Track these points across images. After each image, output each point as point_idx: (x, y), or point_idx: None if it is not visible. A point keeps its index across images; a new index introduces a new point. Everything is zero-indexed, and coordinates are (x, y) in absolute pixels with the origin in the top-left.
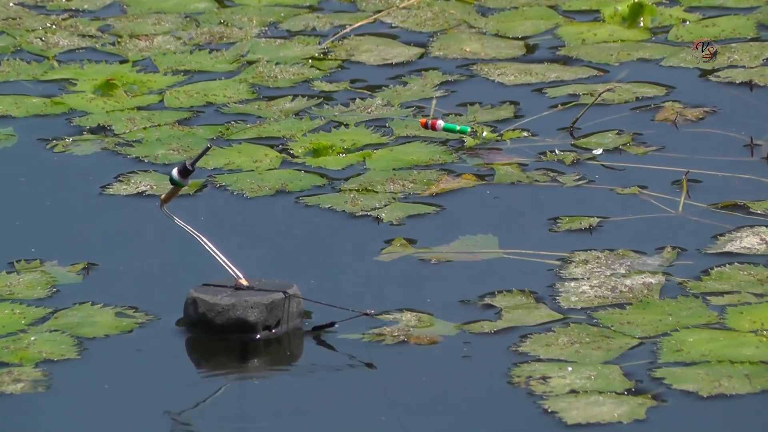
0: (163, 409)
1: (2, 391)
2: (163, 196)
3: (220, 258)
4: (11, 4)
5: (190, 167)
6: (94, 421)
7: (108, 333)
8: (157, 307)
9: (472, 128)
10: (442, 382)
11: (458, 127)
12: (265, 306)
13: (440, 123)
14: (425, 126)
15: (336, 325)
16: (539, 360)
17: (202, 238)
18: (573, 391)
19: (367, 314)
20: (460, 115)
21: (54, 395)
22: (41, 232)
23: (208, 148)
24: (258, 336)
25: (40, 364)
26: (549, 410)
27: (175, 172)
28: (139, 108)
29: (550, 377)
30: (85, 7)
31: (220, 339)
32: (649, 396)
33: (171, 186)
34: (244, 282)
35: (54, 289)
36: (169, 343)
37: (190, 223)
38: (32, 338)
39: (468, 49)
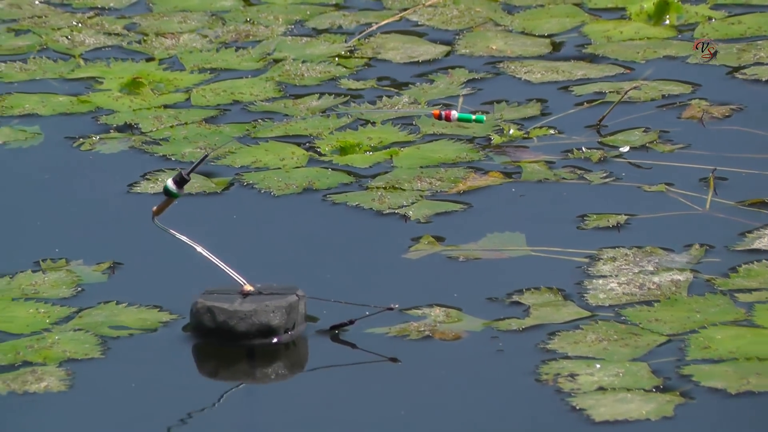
0: (187, 410)
1: (26, 389)
2: (155, 208)
3: (222, 266)
4: (37, 2)
5: (186, 177)
6: (117, 421)
7: (132, 332)
8: (182, 307)
9: (494, 123)
10: (469, 379)
11: (474, 117)
12: (284, 309)
13: (454, 113)
14: (439, 117)
15: (355, 323)
16: (567, 357)
17: (200, 247)
18: (601, 389)
19: (390, 309)
20: (487, 113)
21: (77, 394)
22: (68, 231)
23: (206, 156)
24: (276, 340)
25: (63, 363)
26: (577, 407)
27: (170, 182)
28: (165, 106)
29: (578, 374)
30: (111, 5)
31: (236, 345)
32: (677, 393)
33: (165, 197)
34: (249, 288)
35: (79, 289)
36: (181, 350)
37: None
38: (56, 337)
39: (494, 47)
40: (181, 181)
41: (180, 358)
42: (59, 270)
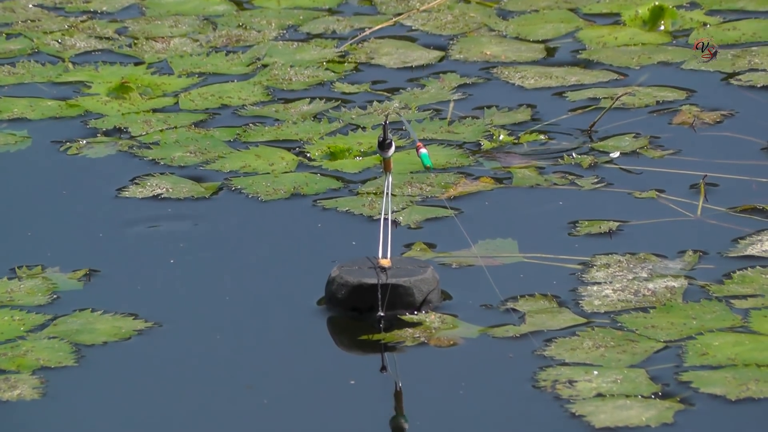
0: (166, 413)
1: None
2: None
3: (384, 235)
4: (30, 6)
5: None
6: (90, 430)
7: (106, 340)
8: (157, 314)
9: (485, 128)
10: (467, 386)
11: (426, 163)
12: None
13: (423, 151)
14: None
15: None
16: (565, 364)
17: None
18: (600, 395)
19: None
20: (477, 117)
21: (50, 403)
22: (49, 237)
23: (386, 120)
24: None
25: (37, 371)
26: (577, 414)
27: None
28: (154, 110)
29: (576, 381)
30: (104, 8)
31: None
32: (677, 399)
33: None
34: (386, 263)
35: (54, 296)
36: (157, 357)
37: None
38: (30, 345)
39: (488, 52)
40: (381, 144)
41: (154, 367)
42: (35, 277)
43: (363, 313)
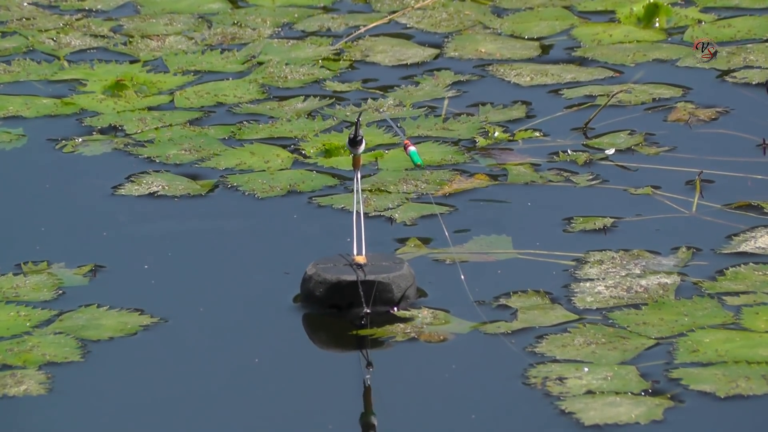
0: (167, 412)
1: (5, 393)
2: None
3: (357, 232)
4: (25, 4)
5: (356, 138)
6: (96, 424)
7: (112, 335)
8: (163, 310)
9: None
10: (456, 383)
11: (416, 161)
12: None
13: (411, 148)
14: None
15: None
16: (555, 360)
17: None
18: (590, 392)
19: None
20: (472, 114)
21: (56, 398)
22: (50, 234)
23: (359, 117)
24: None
25: (43, 366)
26: (566, 411)
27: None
28: (149, 108)
29: (566, 378)
30: (99, 7)
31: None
32: (667, 397)
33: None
34: (361, 259)
35: (60, 292)
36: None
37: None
38: (36, 341)
39: (483, 50)
40: (352, 142)
41: (160, 362)
42: (41, 273)
43: (342, 310)
